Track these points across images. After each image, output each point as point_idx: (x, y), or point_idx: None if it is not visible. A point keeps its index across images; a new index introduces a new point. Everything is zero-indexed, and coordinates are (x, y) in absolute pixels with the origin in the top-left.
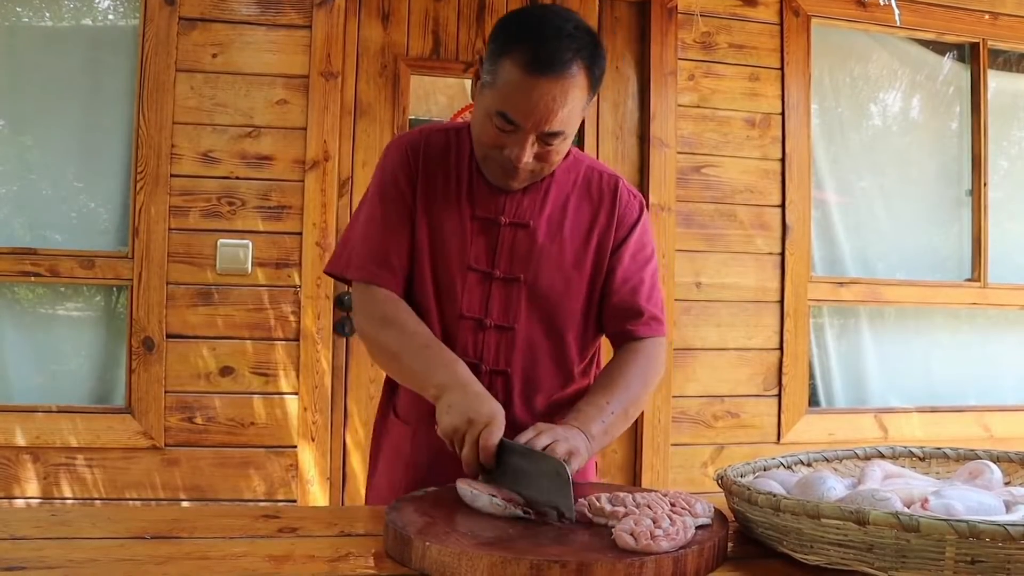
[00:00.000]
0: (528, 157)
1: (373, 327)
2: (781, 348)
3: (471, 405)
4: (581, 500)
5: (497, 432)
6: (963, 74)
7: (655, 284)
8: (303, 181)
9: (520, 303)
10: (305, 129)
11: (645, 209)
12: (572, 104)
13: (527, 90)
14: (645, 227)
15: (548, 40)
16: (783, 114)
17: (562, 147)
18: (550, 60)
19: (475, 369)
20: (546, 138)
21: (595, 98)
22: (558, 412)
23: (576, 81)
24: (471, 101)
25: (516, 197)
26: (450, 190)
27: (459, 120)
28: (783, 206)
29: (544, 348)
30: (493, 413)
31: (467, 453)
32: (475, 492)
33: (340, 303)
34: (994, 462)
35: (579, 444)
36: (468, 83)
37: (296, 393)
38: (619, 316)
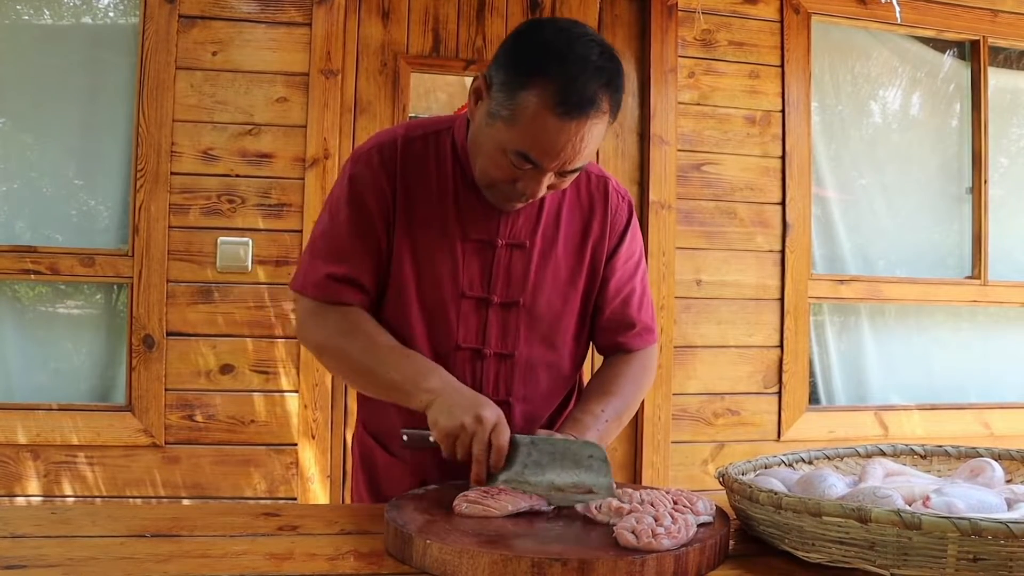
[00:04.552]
0: (543, 191)
1: (333, 338)
2: (781, 346)
3: (477, 404)
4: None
5: (507, 432)
6: (963, 71)
7: (645, 290)
8: (303, 179)
9: (519, 328)
10: (305, 127)
11: (633, 209)
12: (596, 138)
13: (553, 133)
14: (634, 230)
15: (576, 75)
16: (783, 111)
17: (576, 175)
18: (580, 101)
19: None
20: (565, 173)
21: None
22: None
23: (603, 117)
24: (469, 115)
25: (511, 215)
26: (435, 208)
27: (438, 118)
28: (783, 204)
29: (543, 371)
30: (500, 413)
31: (479, 452)
32: (491, 505)
33: None
34: (995, 460)
35: None
36: (467, 80)
37: (296, 391)
38: (611, 329)
